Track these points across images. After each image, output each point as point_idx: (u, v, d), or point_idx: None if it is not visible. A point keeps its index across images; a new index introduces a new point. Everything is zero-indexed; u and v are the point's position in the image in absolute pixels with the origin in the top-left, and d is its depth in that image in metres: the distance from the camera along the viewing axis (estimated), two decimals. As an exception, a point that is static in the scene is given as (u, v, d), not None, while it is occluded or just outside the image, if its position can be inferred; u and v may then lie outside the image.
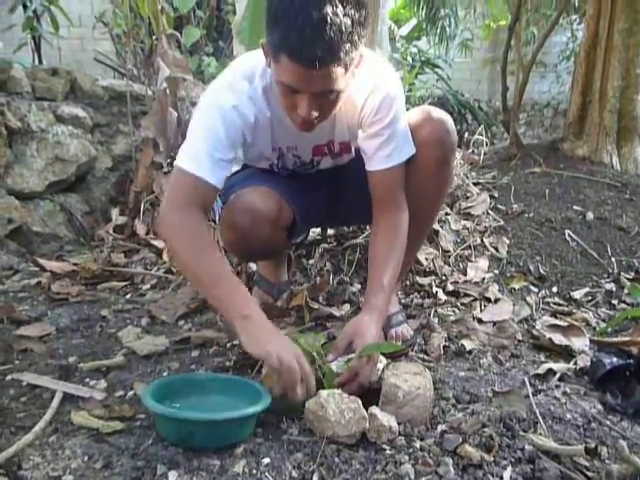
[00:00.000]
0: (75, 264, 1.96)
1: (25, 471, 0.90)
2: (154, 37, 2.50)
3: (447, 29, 5.97)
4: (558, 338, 1.41)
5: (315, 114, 1.14)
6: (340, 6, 1.00)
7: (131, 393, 1.16)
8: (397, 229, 1.33)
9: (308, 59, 1.02)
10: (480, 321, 1.52)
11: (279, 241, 1.47)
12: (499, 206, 2.20)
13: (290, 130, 1.32)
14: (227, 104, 1.23)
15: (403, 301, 1.64)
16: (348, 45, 1.03)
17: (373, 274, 1.30)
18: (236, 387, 1.12)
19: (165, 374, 1.25)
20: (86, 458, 0.93)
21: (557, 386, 1.23)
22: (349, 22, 1.01)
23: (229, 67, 1.34)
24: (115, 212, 2.30)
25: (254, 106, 1.26)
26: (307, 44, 1.00)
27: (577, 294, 1.75)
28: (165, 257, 2.02)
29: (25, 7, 3.08)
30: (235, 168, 1.56)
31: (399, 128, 1.30)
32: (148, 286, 1.82)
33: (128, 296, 1.76)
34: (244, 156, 1.46)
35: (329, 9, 0.99)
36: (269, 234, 1.37)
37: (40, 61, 3.22)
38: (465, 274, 1.80)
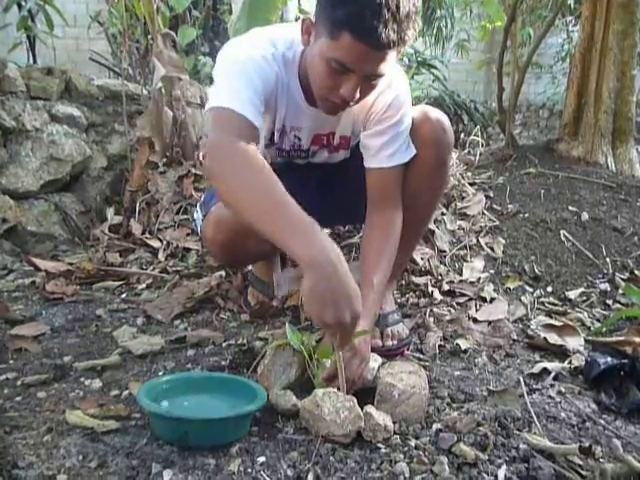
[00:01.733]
0: (70, 264, 1.95)
1: (20, 470, 0.89)
2: (149, 37, 2.50)
3: (443, 30, 6.00)
4: (553, 338, 1.42)
5: (357, 96, 1.13)
6: None
7: (126, 392, 1.16)
8: (391, 228, 1.32)
9: (377, 40, 1.03)
10: (475, 320, 1.52)
11: (265, 250, 1.46)
12: (494, 206, 2.21)
13: (301, 109, 1.30)
14: (257, 53, 1.20)
15: (399, 300, 1.64)
16: (411, 32, 1.06)
17: (364, 272, 1.28)
18: (231, 386, 1.12)
19: (161, 373, 1.25)
20: (81, 457, 0.93)
21: (552, 385, 1.23)
22: (414, 9, 1.05)
23: (255, 30, 1.29)
24: (110, 212, 2.30)
25: (277, 65, 1.23)
26: (381, 25, 1.01)
27: (572, 294, 1.75)
28: (161, 256, 2.02)
29: (20, 6, 3.07)
30: None
31: (404, 129, 1.31)
32: (144, 286, 1.82)
33: (123, 296, 1.76)
34: None
35: None
36: (253, 246, 1.35)
37: (35, 61, 3.21)
38: (461, 274, 1.81)
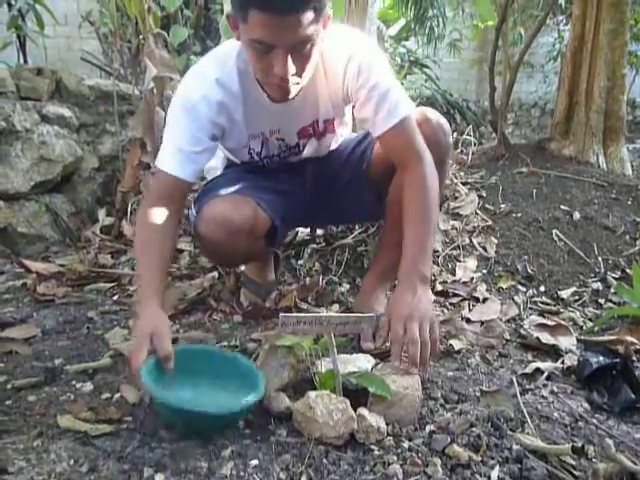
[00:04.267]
0: (61, 265, 1.94)
1: (9, 475, 0.88)
2: (141, 37, 2.48)
3: (435, 29, 5.97)
4: (545, 337, 1.42)
5: (293, 70, 1.14)
6: None
7: (117, 395, 1.15)
8: (422, 179, 1.27)
9: (279, 4, 1.04)
10: (468, 321, 1.52)
11: (257, 249, 1.48)
12: (487, 206, 2.21)
13: (270, 111, 1.32)
14: (195, 96, 1.27)
15: (392, 301, 1.64)
16: None
17: (405, 232, 1.25)
18: (230, 365, 1.12)
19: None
20: (72, 462, 0.92)
21: (544, 385, 1.23)
22: None
23: (205, 55, 1.36)
24: (102, 213, 2.28)
25: (223, 89, 1.28)
26: None
27: (564, 293, 1.76)
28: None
29: (10, 5, 3.05)
30: (214, 165, 1.56)
31: (388, 89, 1.28)
32: (135, 287, 1.80)
33: (115, 297, 1.74)
34: (225, 146, 1.45)
35: None
36: (245, 245, 1.37)
37: (25, 60, 3.18)
38: (454, 274, 1.81)
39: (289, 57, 1.12)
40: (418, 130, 1.31)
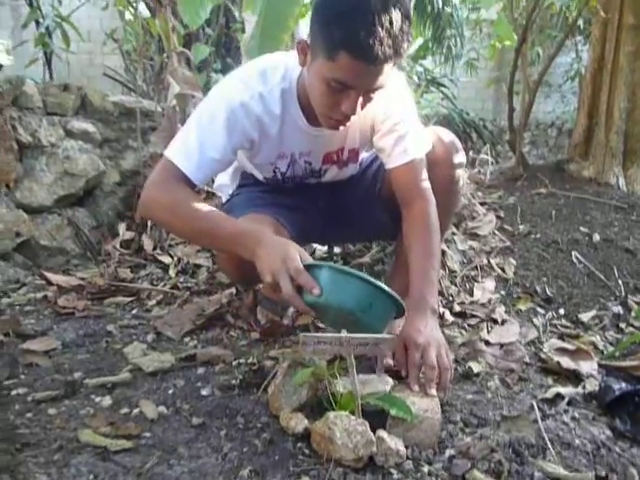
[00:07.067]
0: (82, 278, 1.96)
1: (30, 489, 0.89)
2: (164, 55, 2.53)
3: (453, 49, 6.01)
4: (566, 362, 1.40)
5: (359, 110, 1.17)
6: (399, 8, 1.06)
7: (136, 410, 1.16)
8: (426, 218, 1.33)
9: (374, 57, 1.06)
10: (487, 343, 1.51)
11: None
12: (505, 226, 2.20)
13: (306, 134, 1.34)
14: (236, 99, 1.25)
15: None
16: (406, 44, 1.09)
17: (411, 265, 1.30)
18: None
19: (170, 392, 1.25)
20: (91, 477, 0.93)
21: (566, 411, 1.21)
22: (407, 22, 1.08)
23: (248, 63, 1.36)
24: (122, 227, 2.30)
25: (263, 105, 1.27)
26: (377, 43, 1.04)
27: (584, 316, 1.74)
28: (171, 272, 2.03)
29: (37, 23, 3.14)
30: (225, 182, 1.57)
31: (412, 123, 1.35)
32: (154, 302, 1.82)
33: (134, 311, 1.76)
34: (250, 160, 1.46)
35: (393, 11, 1.05)
36: None
37: (51, 76, 3.26)
38: (472, 295, 1.80)
39: (361, 98, 1.14)
40: (427, 174, 1.35)
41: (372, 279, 1.06)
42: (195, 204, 1.22)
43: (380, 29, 1.04)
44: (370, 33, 1.04)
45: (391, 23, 1.05)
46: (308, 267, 1.07)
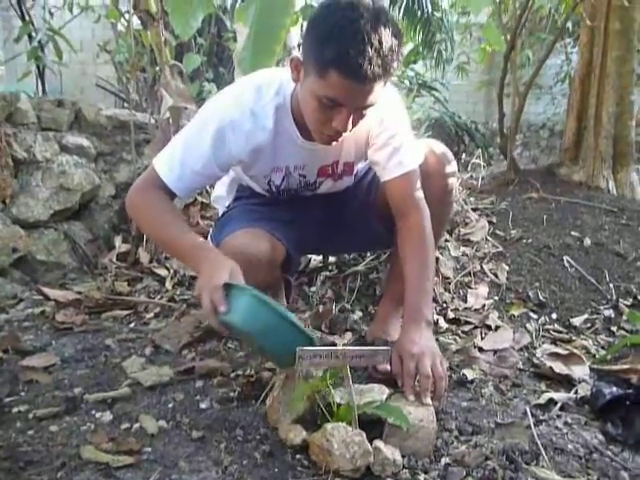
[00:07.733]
0: (79, 292, 1.97)
1: (34, 507, 0.91)
2: (157, 67, 2.55)
3: (443, 53, 6.05)
4: (559, 367, 1.43)
5: (351, 127, 1.19)
6: (389, 27, 1.09)
7: (137, 425, 1.17)
8: (421, 230, 1.36)
9: (363, 76, 1.08)
10: (481, 349, 1.53)
11: (275, 279, 1.52)
12: (498, 232, 2.23)
13: (300, 148, 1.36)
14: (226, 117, 1.28)
15: (404, 329, 1.65)
16: (395, 63, 1.12)
17: (406, 278, 1.32)
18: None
19: (170, 406, 1.26)
20: (94, 494, 0.94)
21: (558, 416, 1.24)
22: (397, 42, 1.10)
23: (245, 78, 1.39)
24: (118, 240, 2.32)
25: (254, 121, 1.30)
26: (366, 62, 1.07)
27: (576, 321, 1.76)
28: (168, 285, 2.04)
29: (30, 37, 3.15)
30: (222, 194, 1.59)
31: (406, 135, 1.38)
32: (152, 315, 1.83)
33: (132, 325, 1.77)
34: (245, 173, 1.48)
35: (383, 30, 1.07)
36: (263, 276, 1.38)
37: (44, 89, 3.27)
38: (465, 301, 1.82)
39: (353, 115, 1.17)
40: (421, 186, 1.38)
41: (281, 309, 1.09)
42: (165, 213, 1.27)
43: (369, 48, 1.06)
44: (359, 53, 1.06)
45: (380, 42, 1.07)
46: (232, 287, 1.10)
